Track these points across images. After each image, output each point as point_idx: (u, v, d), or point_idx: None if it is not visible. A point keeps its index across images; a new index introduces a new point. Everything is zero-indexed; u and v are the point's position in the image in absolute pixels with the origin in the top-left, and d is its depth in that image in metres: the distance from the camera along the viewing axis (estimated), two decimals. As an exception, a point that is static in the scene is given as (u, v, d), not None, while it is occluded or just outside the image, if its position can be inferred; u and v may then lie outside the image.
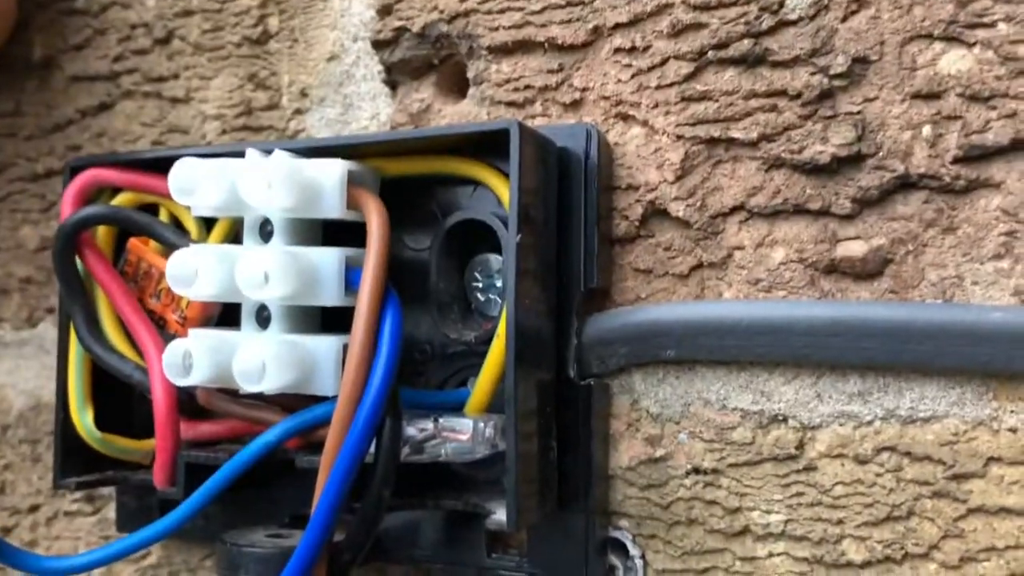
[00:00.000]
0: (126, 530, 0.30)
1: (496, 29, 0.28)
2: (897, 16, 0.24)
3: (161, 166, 0.27)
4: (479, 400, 0.24)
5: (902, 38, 0.24)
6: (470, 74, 0.28)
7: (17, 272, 0.35)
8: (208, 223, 0.27)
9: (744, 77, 0.25)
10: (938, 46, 0.23)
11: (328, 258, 0.24)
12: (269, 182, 0.23)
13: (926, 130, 0.23)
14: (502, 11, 0.27)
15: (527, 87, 0.27)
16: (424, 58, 0.29)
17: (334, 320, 0.25)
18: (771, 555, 0.24)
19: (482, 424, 0.23)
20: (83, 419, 0.27)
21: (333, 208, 0.24)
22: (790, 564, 0.24)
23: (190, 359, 0.24)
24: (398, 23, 0.29)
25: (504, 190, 0.24)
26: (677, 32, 0.26)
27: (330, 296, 0.24)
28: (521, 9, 0.27)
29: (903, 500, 0.23)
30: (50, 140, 0.34)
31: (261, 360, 0.23)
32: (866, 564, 0.24)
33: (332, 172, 0.24)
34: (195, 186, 0.25)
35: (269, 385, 0.23)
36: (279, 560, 0.24)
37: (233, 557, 0.25)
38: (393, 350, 0.22)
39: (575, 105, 0.27)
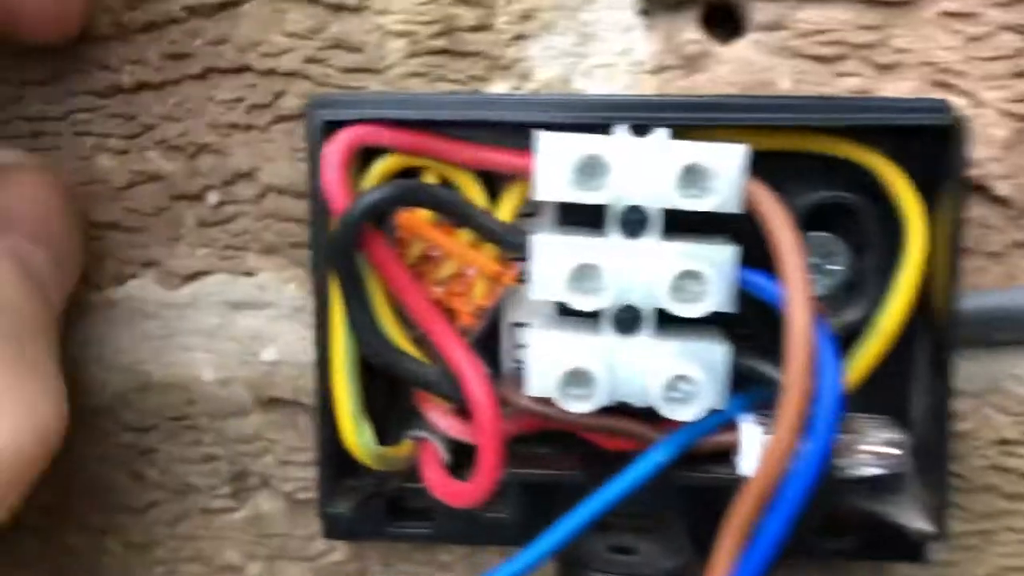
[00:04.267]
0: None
1: (808, -29, 0.24)
2: None
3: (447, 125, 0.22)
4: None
5: None
6: (758, 15, 0.25)
7: (98, 215, 0.27)
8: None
9: (1080, 56, 0.25)
10: None
11: (723, 257, 0.21)
12: (668, 171, 0.20)
13: None
14: (815, -49, 0.24)
15: (838, 42, 0.25)
16: (694, -10, 0.25)
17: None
18: (1055, 512, 0.27)
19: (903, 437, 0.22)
20: (360, 434, 0.22)
21: (728, 201, 0.21)
22: (1071, 520, 0.27)
23: (590, 381, 0.20)
24: (680, -53, 0.25)
25: (899, 184, 0.22)
26: (1012, 1, 0.24)
27: (720, 300, 0.21)
28: (839, -49, 0.24)
29: None
30: (138, 43, 0.26)
31: (696, 381, 0.20)
32: None
33: (731, 159, 0.20)
34: (561, 169, 0.20)
35: (701, 409, 0.21)
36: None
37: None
38: (833, 346, 0.20)
39: (892, 68, 0.25)
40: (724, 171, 0.20)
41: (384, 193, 0.21)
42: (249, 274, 0.27)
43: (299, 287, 0.27)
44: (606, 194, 0.20)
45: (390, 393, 0.25)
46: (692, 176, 0.20)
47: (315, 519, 0.28)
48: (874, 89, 0.25)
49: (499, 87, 0.25)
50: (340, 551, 0.28)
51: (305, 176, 0.25)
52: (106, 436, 0.28)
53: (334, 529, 0.25)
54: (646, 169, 0.20)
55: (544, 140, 0.20)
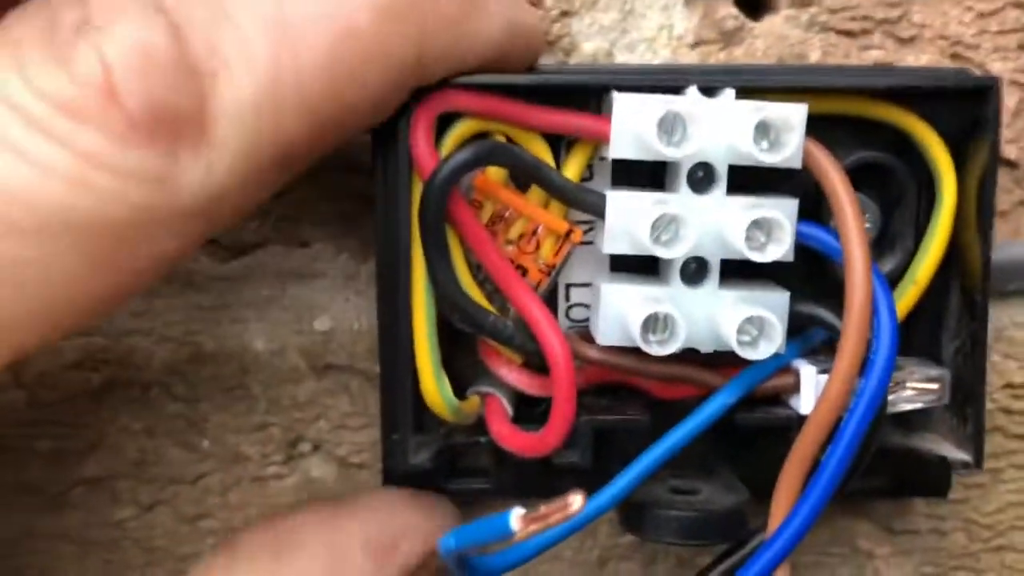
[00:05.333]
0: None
1: (835, -48, 0.26)
2: None
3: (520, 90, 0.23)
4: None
5: None
6: (790, -6, 0.27)
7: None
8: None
9: (1077, 30, 0.27)
10: None
11: (790, 207, 0.23)
12: (743, 127, 0.22)
13: None
14: (842, -67, 0.26)
15: (865, 17, 0.27)
16: (732, -30, 0.27)
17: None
18: (1056, 451, 0.29)
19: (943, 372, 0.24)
20: (442, 388, 0.23)
21: (792, 157, 0.22)
22: (1071, 456, 0.29)
23: (673, 325, 0.22)
24: (718, -71, 0.26)
25: (933, 143, 0.24)
26: (1019, -21, 0.27)
27: (787, 248, 0.23)
28: (864, -66, 0.26)
29: None
30: None
31: (765, 322, 0.22)
32: None
33: (799, 116, 0.22)
34: (642, 128, 0.22)
35: (772, 350, 0.22)
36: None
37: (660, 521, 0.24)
38: (888, 293, 0.22)
39: (911, 41, 0.27)
40: (793, 127, 0.21)
41: (471, 154, 0.22)
42: (304, 244, 0.28)
43: (351, 257, 0.28)
44: (684, 150, 0.21)
45: (449, 352, 0.26)
46: (763, 132, 0.22)
47: (366, 482, 0.28)
48: (896, 61, 0.27)
49: (544, 61, 0.27)
50: (390, 513, 0.29)
51: (358, 149, 0.26)
52: (154, 408, 0.28)
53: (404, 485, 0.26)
54: (721, 126, 0.22)
55: (621, 100, 0.22)
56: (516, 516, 0.18)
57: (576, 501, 0.18)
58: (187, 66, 0.17)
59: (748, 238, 0.22)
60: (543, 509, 0.18)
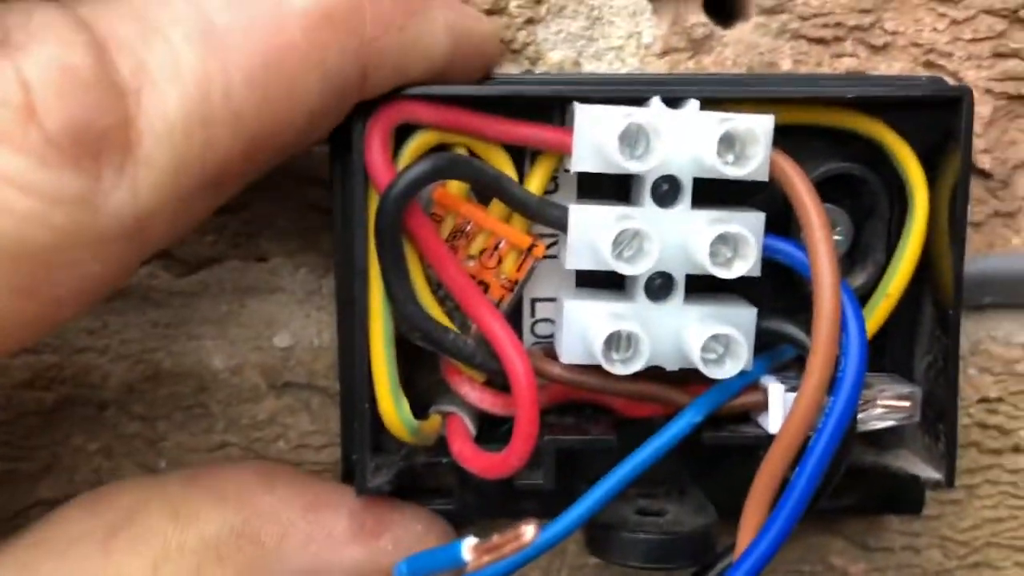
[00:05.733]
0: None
1: (806, -42, 0.26)
2: None
3: (479, 101, 0.22)
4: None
5: None
6: (760, 1, 0.26)
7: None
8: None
9: (1051, 38, 0.27)
10: None
11: (755, 222, 0.22)
12: (707, 139, 0.21)
13: None
14: (811, -61, 0.26)
15: (837, 24, 0.26)
16: (700, -23, 0.26)
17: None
18: (1033, 465, 0.28)
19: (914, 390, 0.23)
20: (400, 409, 0.23)
21: (758, 170, 0.22)
22: (1048, 471, 0.28)
23: (637, 343, 0.21)
24: (685, -65, 0.26)
25: (904, 153, 0.24)
26: (992, -14, 0.26)
27: (752, 263, 0.22)
28: (834, -60, 0.26)
29: None
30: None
31: (731, 339, 0.21)
32: (1110, 466, 0.28)
33: (765, 127, 0.21)
34: (603, 140, 0.21)
35: (738, 368, 0.22)
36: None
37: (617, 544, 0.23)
38: (857, 309, 0.22)
39: (884, 48, 0.26)
40: (758, 139, 0.21)
41: (428, 166, 0.21)
42: (263, 259, 0.27)
43: (311, 272, 0.27)
44: (647, 163, 0.21)
45: (410, 370, 0.25)
46: (728, 144, 0.21)
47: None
48: (868, 69, 0.26)
49: (510, 70, 0.26)
50: (354, 533, 0.28)
51: (317, 161, 0.25)
52: (111, 428, 0.28)
53: (364, 506, 0.25)
54: (684, 138, 0.21)
55: (582, 112, 0.21)
56: (468, 547, 0.17)
57: (528, 531, 0.17)
58: (110, 83, 0.17)
59: (713, 253, 0.21)
60: (495, 539, 0.17)
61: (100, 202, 0.17)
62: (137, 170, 0.17)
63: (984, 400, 0.28)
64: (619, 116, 0.21)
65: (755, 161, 0.21)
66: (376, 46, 0.20)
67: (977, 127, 0.27)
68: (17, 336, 0.18)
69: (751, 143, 0.21)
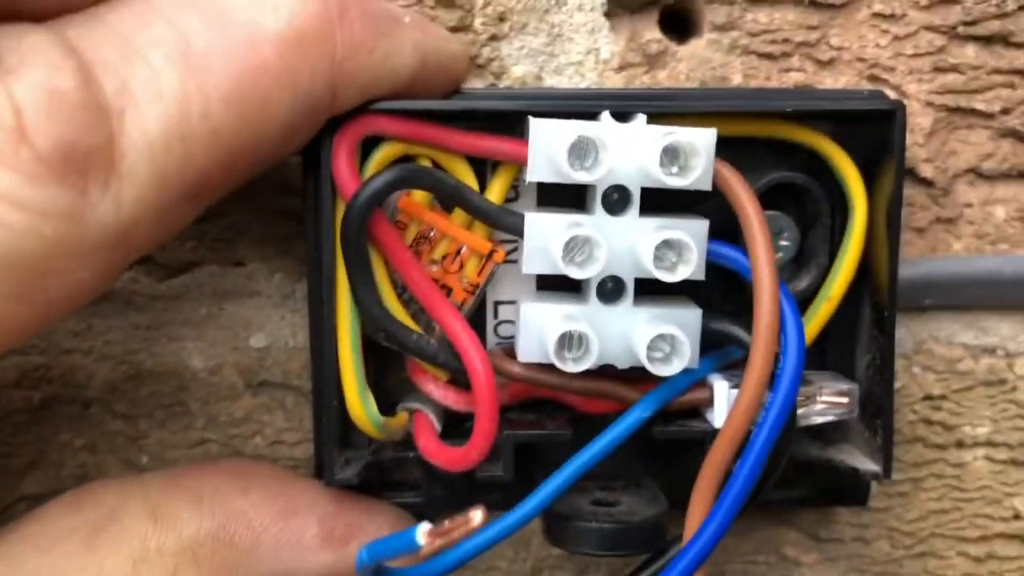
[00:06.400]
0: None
1: (754, -22, 0.27)
2: (1106, 12, 0.28)
3: (442, 115, 0.24)
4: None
5: (1111, 32, 0.28)
6: (713, 17, 0.28)
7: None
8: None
9: (988, 54, 0.28)
10: None
11: (699, 228, 0.23)
12: (651, 151, 0.22)
13: (1125, 113, 0.28)
14: (760, -41, 0.27)
15: (785, 40, 0.28)
16: (657, -5, 0.28)
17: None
18: (975, 460, 0.30)
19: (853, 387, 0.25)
20: (367, 405, 0.24)
21: (700, 180, 0.23)
22: (990, 465, 0.30)
23: (588, 343, 0.23)
24: (641, -44, 0.27)
25: (844, 164, 0.25)
26: (932, 5, 0.28)
27: (696, 268, 0.23)
28: (781, -40, 0.27)
29: (1080, 408, 0.30)
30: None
31: (675, 339, 0.23)
32: (1048, 459, 0.30)
33: (708, 140, 0.23)
34: (555, 152, 0.22)
35: (682, 366, 0.23)
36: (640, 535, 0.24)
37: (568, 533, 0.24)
38: (795, 309, 0.23)
39: (831, 63, 0.28)
40: (700, 151, 0.22)
41: (391, 176, 0.22)
42: (240, 264, 0.28)
43: (286, 276, 0.28)
44: (596, 174, 0.22)
45: (379, 369, 0.27)
46: (672, 156, 0.22)
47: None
48: (815, 83, 0.28)
49: (475, 84, 0.28)
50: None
51: (292, 172, 0.27)
52: (95, 425, 0.29)
53: (335, 499, 0.26)
54: (631, 150, 0.22)
55: (536, 126, 0.22)
56: (422, 531, 0.19)
57: (476, 516, 0.18)
58: (96, 104, 0.18)
59: (658, 258, 0.23)
60: (447, 524, 0.19)
61: (87, 215, 0.18)
62: (121, 185, 0.18)
63: (928, 397, 0.29)
64: (569, 130, 0.22)
65: (697, 172, 0.22)
66: (346, 67, 0.21)
67: (919, 138, 0.28)
68: (9, 338, 0.19)
69: (693, 155, 0.22)
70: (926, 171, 0.28)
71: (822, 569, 0.30)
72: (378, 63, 0.21)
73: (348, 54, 0.21)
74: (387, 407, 0.26)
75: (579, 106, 0.24)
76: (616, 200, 0.23)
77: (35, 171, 0.17)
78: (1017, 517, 0.30)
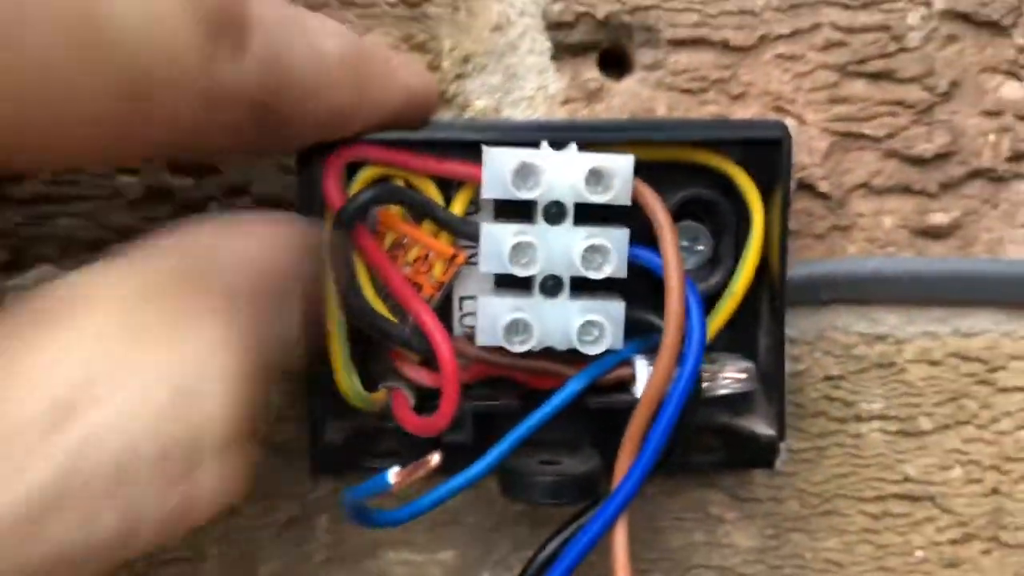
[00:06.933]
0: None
1: (676, 26, 0.33)
2: (975, 52, 0.33)
3: (413, 144, 0.29)
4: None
5: (978, 69, 0.34)
6: (642, 59, 0.33)
7: (115, 222, 0.33)
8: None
9: (875, 88, 0.33)
10: (1000, 78, 0.34)
11: (619, 235, 0.29)
12: (578, 174, 0.28)
13: (991, 137, 0.34)
14: (681, 10, 0.33)
15: (702, 78, 0.33)
16: (594, 41, 0.33)
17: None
18: (871, 431, 0.35)
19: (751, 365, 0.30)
20: (352, 381, 0.29)
21: (622, 196, 0.28)
22: (883, 436, 0.35)
23: (529, 328, 0.28)
24: (581, 8, 0.32)
25: (744, 182, 0.30)
26: (827, 47, 0.33)
27: (616, 268, 0.29)
28: (699, 11, 0.33)
29: (958, 387, 0.35)
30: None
31: (602, 325, 0.28)
32: (932, 431, 0.35)
33: (625, 164, 0.28)
34: (503, 175, 0.28)
35: (606, 346, 0.28)
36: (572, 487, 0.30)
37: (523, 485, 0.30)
38: (698, 300, 0.28)
39: (741, 97, 0.33)
40: (618, 173, 0.28)
41: (370, 194, 0.28)
42: (246, 265, 0.33)
43: (286, 275, 0.34)
44: (536, 192, 0.28)
45: (366, 355, 0.32)
46: (595, 177, 0.28)
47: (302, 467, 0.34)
48: (729, 113, 0.33)
49: (444, 115, 0.33)
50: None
51: (289, 188, 0.32)
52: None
53: (325, 463, 0.31)
54: (565, 173, 0.28)
55: (488, 153, 0.28)
56: (392, 473, 0.24)
57: (434, 458, 0.24)
58: None
59: (586, 260, 0.28)
60: (411, 466, 0.24)
61: (209, 65, 0.21)
62: (244, 57, 0.22)
63: (828, 378, 0.35)
64: (513, 157, 0.27)
65: (615, 190, 0.28)
66: (364, 98, 0.27)
67: (816, 159, 0.33)
68: (107, 136, 0.21)
69: (613, 176, 0.28)
70: (823, 186, 0.34)
71: (742, 526, 0.36)
72: (380, 102, 0.27)
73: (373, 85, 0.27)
74: (372, 386, 0.31)
75: (524, 136, 0.29)
76: (554, 213, 0.29)
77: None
78: (907, 480, 0.35)
